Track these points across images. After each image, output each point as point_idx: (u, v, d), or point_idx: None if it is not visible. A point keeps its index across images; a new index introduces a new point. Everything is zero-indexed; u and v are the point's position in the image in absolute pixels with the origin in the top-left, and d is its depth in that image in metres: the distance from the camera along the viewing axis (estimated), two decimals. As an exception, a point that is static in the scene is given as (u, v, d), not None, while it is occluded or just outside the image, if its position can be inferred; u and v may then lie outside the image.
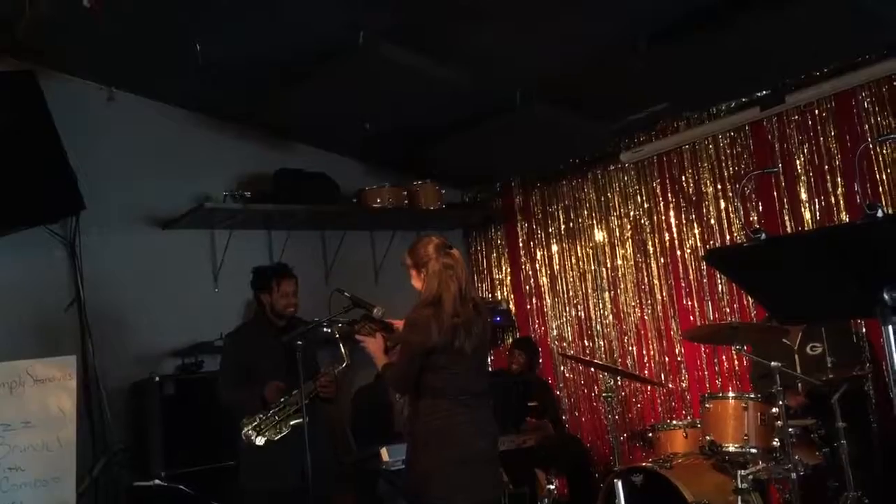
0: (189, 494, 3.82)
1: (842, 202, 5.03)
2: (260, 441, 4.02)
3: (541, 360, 6.50)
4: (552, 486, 4.31)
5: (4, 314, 4.86)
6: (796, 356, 4.55)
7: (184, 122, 5.70)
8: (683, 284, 5.80)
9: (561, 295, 6.59)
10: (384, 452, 4.63)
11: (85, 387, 4.95)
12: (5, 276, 4.91)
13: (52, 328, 5.02)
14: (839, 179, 5.05)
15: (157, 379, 5.00)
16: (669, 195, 5.90)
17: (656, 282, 5.97)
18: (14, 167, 4.69)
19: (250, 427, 4.05)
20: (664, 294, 5.92)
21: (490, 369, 6.16)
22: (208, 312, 5.51)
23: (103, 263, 5.22)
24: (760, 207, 5.41)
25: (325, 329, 4.18)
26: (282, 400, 4.10)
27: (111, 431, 5.02)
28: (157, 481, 3.93)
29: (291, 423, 4.06)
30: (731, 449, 4.13)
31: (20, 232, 4.84)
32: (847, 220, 4.99)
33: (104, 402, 5.04)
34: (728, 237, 5.56)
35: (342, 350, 4.12)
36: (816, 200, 5.13)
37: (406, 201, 6.19)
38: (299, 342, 4.00)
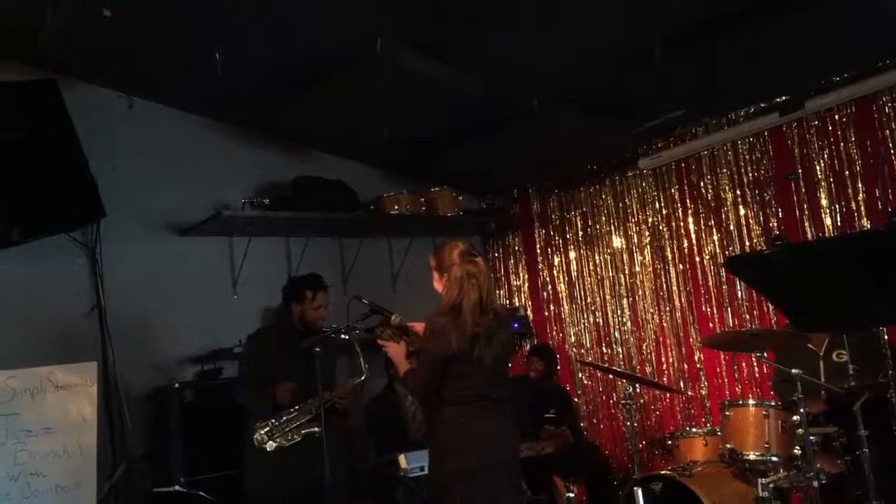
0: (209, 501, 3.83)
1: (863, 208, 4.98)
2: (271, 446, 4.03)
3: (559, 367, 6.48)
4: (571, 494, 4.29)
5: (26, 321, 4.90)
6: (821, 363, 4.50)
7: (203, 130, 5.74)
8: (703, 291, 5.77)
9: (579, 301, 6.57)
10: (402, 459, 4.63)
11: (105, 393, 4.98)
12: (27, 282, 4.95)
13: (73, 335, 5.05)
14: (860, 185, 5.00)
15: (177, 385, 5.02)
16: (688, 201, 5.87)
17: (675, 288, 5.94)
18: (36, 175, 4.75)
19: (262, 432, 4.07)
20: (683, 301, 5.89)
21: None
22: (227, 319, 5.53)
23: (123, 270, 5.26)
24: (780, 214, 5.37)
25: (343, 336, 4.19)
26: (296, 407, 4.12)
27: (131, 438, 5.05)
28: (177, 487, 3.94)
29: (304, 431, 4.07)
30: (752, 457, 4.10)
31: (42, 239, 4.88)
32: (868, 226, 4.94)
33: (124, 409, 5.07)
34: (748, 244, 5.52)
35: (361, 362, 4.13)
36: (837, 206, 5.09)
37: (423, 208, 6.19)
38: (317, 349, 4.01)
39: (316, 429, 4.00)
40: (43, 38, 4.59)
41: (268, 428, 4.08)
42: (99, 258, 5.19)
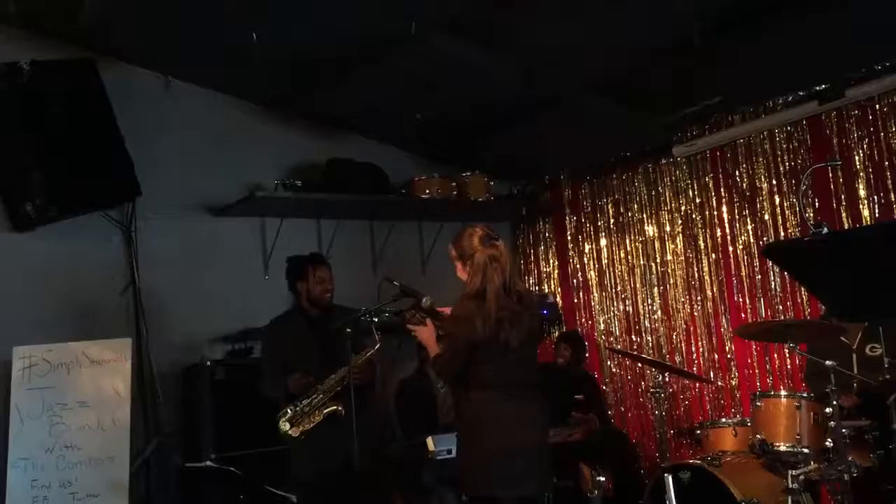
0: (239, 477, 3.88)
1: (902, 199, 4.91)
2: (295, 433, 4.06)
3: (587, 355, 6.46)
4: (602, 479, 4.29)
5: (62, 297, 4.98)
6: (854, 356, 4.44)
7: (238, 112, 5.78)
8: (735, 281, 5.71)
9: (609, 289, 6.54)
10: (430, 442, 4.64)
11: (138, 369, 5.05)
12: (64, 259, 5.03)
13: (108, 311, 5.14)
14: (901, 176, 4.93)
15: (209, 363, 5.07)
16: (722, 190, 5.80)
17: (707, 278, 5.89)
18: (74, 153, 4.82)
19: (284, 420, 4.09)
20: (715, 290, 5.84)
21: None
22: (258, 299, 5.57)
23: (158, 249, 5.32)
24: (817, 204, 5.29)
25: (373, 318, 4.18)
26: (315, 388, 4.13)
27: (163, 414, 5.12)
28: (207, 463, 4.00)
29: (325, 411, 4.09)
30: (783, 448, 4.06)
31: (79, 217, 4.95)
32: (908, 217, 4.86)
33: (157, 385, 5.14)
34: (783, 233, 5.45)
35: (375, 334, 4.12)
36: (875, 197, 5.01)
37: (454, 192, 6.18)
38: (348, 329, 4.02)
39: (336, 407, 4.02)
40: (82, 17, 4.64)
41: (288, 415, 4.10)
42: (134, 236, 5.25)
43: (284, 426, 4.10)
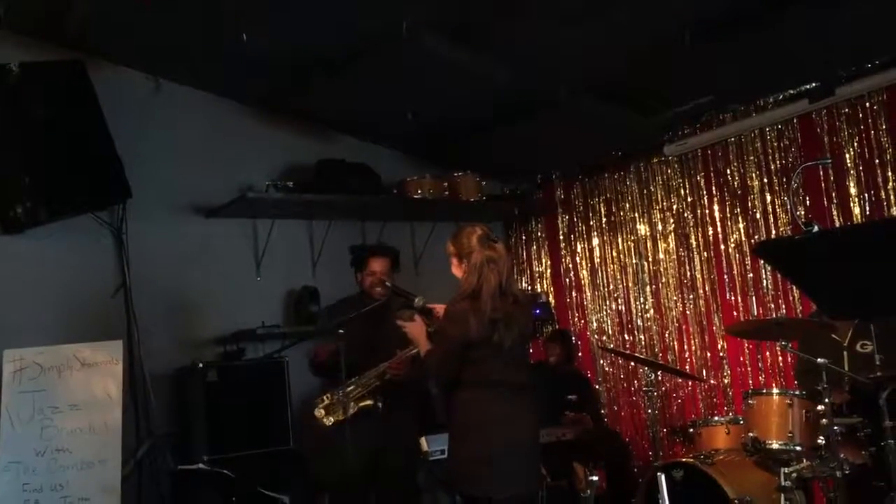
0: (232, 479, 3.87)
1: (892, 197, 4.93)
2: (328, 422, 4.01)
3: (580, 354, 6.46)
4: (594, 479, 4.29)
5: (53, 299, 4.95)
6: (845, 353, 4.45)
7: (228, 112, 5.75)
8: (727, 279, 5.73)
9: (601, 288, 6.55)
10: (423, 442, 4.64)
11: (130, 372, 5.03)
12: (54, 262, 4.99)
13: (99, 314, 5.10)
14: (890, 174, 4.94)
15: (201, 365, 5.04)
16: (714, 189, 5.82)
17: (699, 276, 5.90)
18: (64, 155, 4.78)
19: (320, 407, 4.06)
20: (707, 288, 5.85)
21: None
22: (250, 301, 5.58)
23: (149, 251, 5.29)
24: (808, 202, 5.31)
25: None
26: (352, 380, 4.09)
27: (155, 416, 5.10)
28: (200, 465, 3.98)
29: (361, 404, 4.06)
30: (775, 446, 4.07)
31: (69, 219, 4.93)
32: (898, 215, 4.88)
33: (148, 387, 5.12)
34: (774, 231, 5.47)
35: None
36: (866, 195, 5.04)
37: (446, 193, 6.18)
38: (340, 331, 4.01)
39: (371, 402, 4.00)
40: (71, 19, 4.62)
41: (326, 403, 4.06)
42: (125, 238, 5.22)
43: (319, 413, 4.05)
